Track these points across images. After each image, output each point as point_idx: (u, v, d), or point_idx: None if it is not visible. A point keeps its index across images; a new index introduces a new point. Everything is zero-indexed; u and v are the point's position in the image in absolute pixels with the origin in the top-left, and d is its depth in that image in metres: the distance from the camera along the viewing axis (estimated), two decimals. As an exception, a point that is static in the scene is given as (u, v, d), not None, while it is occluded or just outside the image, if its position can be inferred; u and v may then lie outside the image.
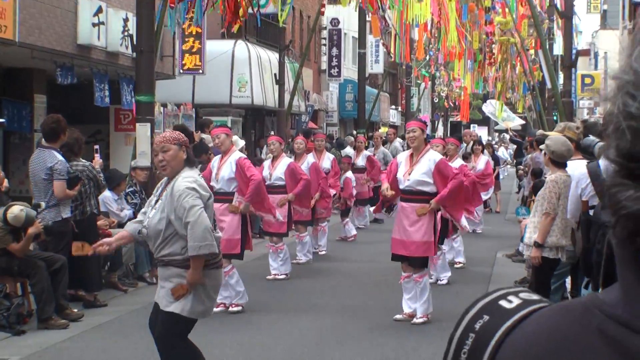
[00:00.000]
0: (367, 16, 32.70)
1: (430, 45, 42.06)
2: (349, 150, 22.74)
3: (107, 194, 13.13)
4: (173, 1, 15.80)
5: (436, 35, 35.24)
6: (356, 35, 38.21)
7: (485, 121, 75.18)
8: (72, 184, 11.04)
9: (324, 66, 40.94)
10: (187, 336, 6.99)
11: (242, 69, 28.11)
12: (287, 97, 27.60)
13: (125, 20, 18.42)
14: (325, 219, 16.93)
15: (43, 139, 11.25)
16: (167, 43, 21.02)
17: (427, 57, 45.14)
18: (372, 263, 15.17)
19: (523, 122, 46.28)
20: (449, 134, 58.57)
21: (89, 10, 17.47)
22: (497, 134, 71.35)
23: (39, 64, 17.31)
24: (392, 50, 35.71)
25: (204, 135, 17.52)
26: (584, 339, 0.97)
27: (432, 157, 10.43)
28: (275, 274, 13.75)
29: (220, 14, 19.62)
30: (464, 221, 11.41)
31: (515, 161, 31.06)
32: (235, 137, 16.74)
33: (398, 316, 10.60)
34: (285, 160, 14.25)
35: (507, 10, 28.75)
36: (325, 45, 40.79)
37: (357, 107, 36.72)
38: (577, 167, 9.16)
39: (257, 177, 11.46)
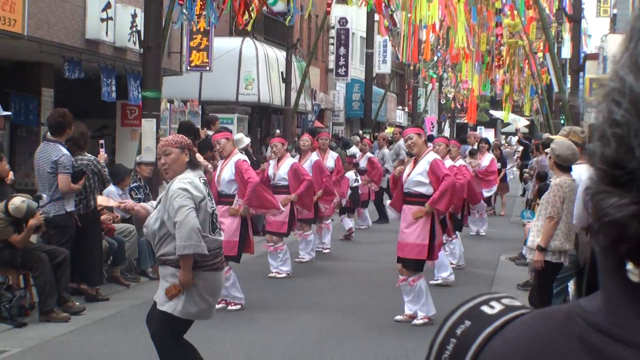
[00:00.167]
0: (374, 16, 32.70)
1: (439, 47, 42.06)
2: (354, 150, 22.75)
3: (111, 188, 13.15)
4: (182, -2, 15.82)
5: (444, 36, 35.27)
6: (364, 35, 38.19)
7: (492, 123, 75.15)
8: (77, 178, 11.06)
9: (332, 65, 40.93)
10: (181, 335, 7.00)
11: (249, 66, 28.10)
12: (293, 95, 27.60)
13: (134, 16, 18.44)
14: (329, 216, 16.97)
15: (49, 133, 11.29)
16: (174, 39, 21.04)
17: (435, 58, 45.14)
18: (373, 263, 15.18)
19: (527, 122, 46.26)
20: (455, 136, 58.54)
21: (98, 5, 17.50)
22: (503, 136, 71.27)
23: (47, 58, 17.33)
24: (400, 50, 35.72)
25: (209, 132, 17.54)
26: (565, 347, 0.96)
27: (428, 157, 10.55)
28: (276, 272, 13.76)
29: (228, 10, 19.67)
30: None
31: (521, 163, 31.00)
32: (240, 135, 16.83)
33: (399, 317, 10.61)
34: (288, 161, 14.28)
35: (515, 12, 28.71)
36: (333, 44, 40.78)
37: (363, 107, 36.72)
38: (583, 172, 9.15)
39: (254, 180, 11.47)
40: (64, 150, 10.99)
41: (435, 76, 52.41)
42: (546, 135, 17.09)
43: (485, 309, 1.06)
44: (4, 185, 11.43)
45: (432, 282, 13.11)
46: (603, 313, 0.97)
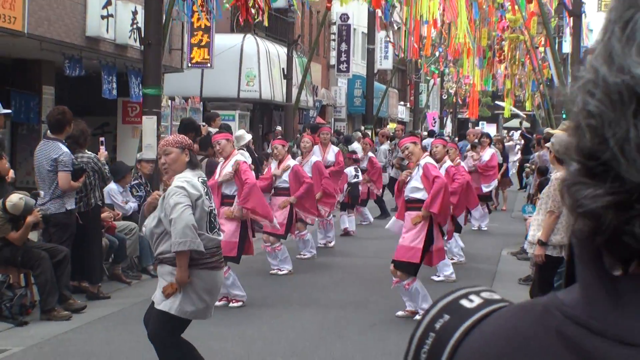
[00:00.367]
0: (376, 12, 32.67)
1: (440, 42, 42.03)
2: (356, 146, 22.76)
3: (112, 186, 13.15)
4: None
5: (446, 31, 35.26)
6: (365, 31, 38.17)
7: (494, 118, 75.12)
8: (77, 175, 11.05)
9: (333, 61, 40.92)
10: (179, 334, 7.01)
11: (250, 63, 28.09)
12: (295, 91, 27.59)
13: (134, 13, 18.43)
14: (330, 212, 16.98)
15: (49, 131, 11.28)
16: (175, 36, 21.03)
17: (437, 54, 45.12)
18: (375, 259, 15.16)
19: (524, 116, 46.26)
20: (456, 131, 58.53)
21: (98, 2, 17.50)
22: (505, 131, 71.30)
23: (47, 56, 17.33)
24: (401, 46, 35.70)
25: (210, 129, 17.54)
26: (543, 340, 0.96)
27: (421, 162, 10.67)
28: (277, 269, 13.75)
29: (229, 7, 19.65)
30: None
31: (522, 157, 31.00)
32: (241, 131, 16.83)
33: (400, 312, 10.62)
34: (290, 163, 14.24)
35: (516, 7, 28.70)
36: (334, 40, 40.77)
37: (365, 103, 36.71)
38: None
39: (251, 181, 11.46)
40: (64, 148, 10.98)
41: (436, 71, 52.38)
42: (547, 129, 17.08)
43: (464, 302, 1.05)
44: (4, 184, 11.42)
45: (433, 277, 13.12)
46: (581, 305, 0.96)
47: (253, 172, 12.24)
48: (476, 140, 22.27)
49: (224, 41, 26.24)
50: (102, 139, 12.90)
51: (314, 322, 10.39)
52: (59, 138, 11.07)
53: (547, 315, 0.97)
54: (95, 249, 11.70)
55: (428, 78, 54.96)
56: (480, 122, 69.20)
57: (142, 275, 13.29)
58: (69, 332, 9.84)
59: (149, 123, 14.84)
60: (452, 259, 14.57)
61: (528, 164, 24.92)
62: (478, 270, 14.52)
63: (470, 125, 62.29)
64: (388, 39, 36.62)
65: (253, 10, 22.54)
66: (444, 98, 62.79)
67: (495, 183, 21.48)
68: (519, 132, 37.59)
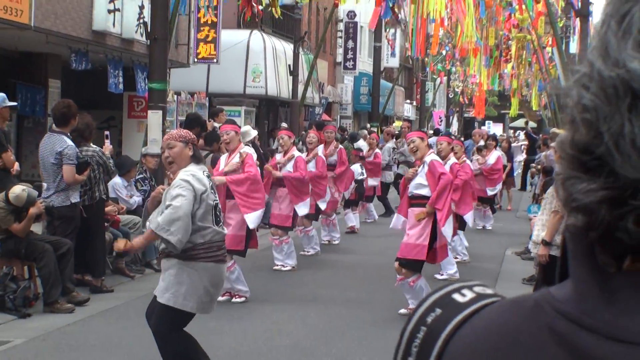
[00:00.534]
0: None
1: (447, 41, 42.00)
2: (361, 144, 22.74)
3: (117, 180, 13.16)
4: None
5: (453, 30, 35.22)
6: (372, 29, 38.12)
7: (500, 118, 75.04)
8: (81, 169, 11.06)
9: (340, 59, 40.90)
10: (181, 328, 7.01)
11: (257, 59, 28.09)
12: (301, 88, 27.57)
13: (141, 7, 18.43)
14: (332, 211, 16.98)
15: (54, 124, 11.29)
16: (182, 31, 21.03)
17: (444, 52, 45.08)
18: (379, 256, 15.15)
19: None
20: (462, 130, 58.49)
21: (105, -4, 17.51)
22: (512, 131, 71.23)
23: (54, 49, 17.34)
24: (407, 46, 35.65)
25: (215, 124, 17.54)
26: (534, 335, 0.95)
27: (426, 159, 10.65)
28: (280, 265, 13.76)
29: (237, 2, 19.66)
30: (447, 230, 11.09)
31: (527, 158, 30.96)
32: (247, 127, 16.81)
33: (403, 310, 10.60)
34: (294, 153, 14.23)
35: (524, 7, 28.66)
36: (341, 37, 40.74)
37: (371, 101, 36.68)
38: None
39: (251, 173, 11.31)
40: (69, 142, 10.99)
41: (443, 70, 52.34)
42: (553, 129, 17.05)
43: (456, 296, 1.05)
44: (9, 176, 11.44)
45: (437, 276, 13.12)
46: (572, 301, 0.96)
47: (258, 169, 12.20)
48: (482, 143, 22.24)
49: (231, 37, 26.24)
50: (107, 132, 12.89)
51: (317, 318, 10.39)
52: (64, 131, 11.08)
53: (539, 311, 0.97)
54: (98, 242, 11.71)
55: (435, 77, 54.92)
56: (487, 122, 69.16)
57: (145, 269, 13.31)
58: (72, 324, 9.85)
59: (154, 118, 14.84)
60: (456, 257, 14.57)
61: (534, 164, 24.87)
62: (482, 269, 14.51)
63: (476, 124, 62.25)
64: (387, 38, 36.50)
65: (260, 7, 22.57)
66: (451, 97, 62.74)
67: (499, 186, 21.45)
68: (524, 131, 37.50)
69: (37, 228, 11.54)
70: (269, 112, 32.39)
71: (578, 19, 22.87)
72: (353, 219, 19.26)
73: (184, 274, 6.94)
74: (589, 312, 0.93)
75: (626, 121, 0.89)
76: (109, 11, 17.56)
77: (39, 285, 10.67)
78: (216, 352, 8.24)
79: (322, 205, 15.24)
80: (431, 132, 37.96)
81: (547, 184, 12.49)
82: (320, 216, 16.37)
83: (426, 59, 44.44)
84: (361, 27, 41.11)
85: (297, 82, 27.97)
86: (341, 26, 40.76)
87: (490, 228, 20.28)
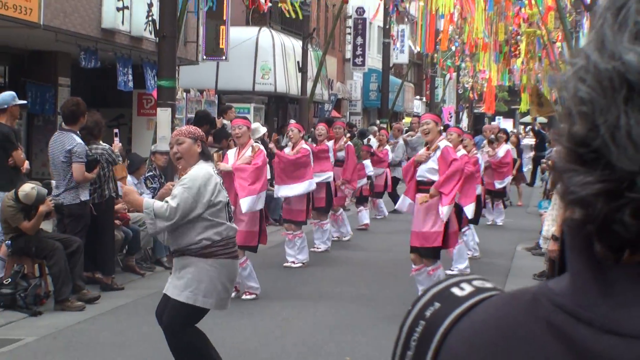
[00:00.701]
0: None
1: (457, 36, 41.92)
2: (371, 140, 22.75)
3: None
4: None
5: (462, 26, 35.14)
6: (381, 25, 38.10)
7: (510, 113, 74.85)
8: (91, 167, 11.09)
9: (349, 55, 40.87)
10: (194, 325, 7.01)
11: (265, 56, 28.10)
12: (310, 85, 27.57)
13: (149, 5, 18.45)
14: (339, 206, 16.98)
15: (63, 122, 11.32)
16: (191, 29, 21.05)
17: (453, 48, 44.99)
18: (389, 253, 15.16)
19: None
20: (472, 126, 58.36)
21: (114, -6, 17.53)
22: (522, 127, 71.05)
23: (63, 47, 17.38)
24: (417, 40, 35.61)
25: (225, 121, 17.56)
26: (531, 329, 0.95)
27: (440, 145, 10.60)
28: (292, 262, 13.77)
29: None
30: (445, 210, 10.91)
31: (535, 154, 30.89)
32: (257, 124, 16.83)
33: (413, 306, 10.58)
34: (303, 146, 14.20)
35: (533, 2, 28.58)
36: (349, 34, 40.71)
37: (380, 97, 36.64)
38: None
39: (257, 165, 11.32)
40: (78, 140, 11.01)
41: (453, 66, 52.24)
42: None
43: (455, 290, 1.05)
44: (19, 174, 11.48)
45: (448, 271, 13.10)
46: (570, 294, 0.95)
47: (267, 163, 12.18)
48: (492, 136, 22.19)
49: (239, 34, 26.25)
50: (116, 130, 12.92)
51: (326, 314, 10.40)
52: (73, 129, 11.11)
53: (536, 304, 0.97)
54: (108, 240, 11.74)
55: (444, 72, 54.83)
56: (497, 117, 68.99)
57: (155, 267, 13.33)
58: (83, 322, 9.88)
59: (163, 115, 14.85)
60: (467, 253, 14.56)
61: (544, 160, 24.81)
62: (493, 265, 14.49)
63: (486, 120, 62.12)
64: (391, 34, 36.38)
65: (270, 3, 22.58)
66: (460, 92, 62.63)
67: (509, 179, 21.37)
68: (529, 127, 37.40)
69: (48, 226, 11.58)
70: (278, 109, 32.40)
71: (587, 14, 22.80)
72: (367, 216, 19.28)
73: (202, 271, 6.93)
74: (586, 305, 0.93)
75: (622, 113, 0.89)
76: (118, 9, 17.59)
77: (49, 283, 10.70)
78: (226, 348, 8.24)
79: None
80: (441, 127, 37.90)
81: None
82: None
83: (435, 55, 44.35)
84: (370, 23, 41.08)
85: (306, 79, 27.96)
86: (350, 22, 40.73)
87: (501, 224, 20.26)
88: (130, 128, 21.49)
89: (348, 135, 17.82)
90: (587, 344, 0.91)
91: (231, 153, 11.72)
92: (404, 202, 10.95)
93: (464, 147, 13.98)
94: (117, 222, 12.34)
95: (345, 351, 8.79)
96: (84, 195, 11.14)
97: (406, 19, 42.38)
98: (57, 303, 10.36)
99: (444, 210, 10.42)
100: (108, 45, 17.74)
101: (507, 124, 59.65)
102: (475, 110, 69.87)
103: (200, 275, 6.93)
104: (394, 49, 38.18)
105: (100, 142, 11.65)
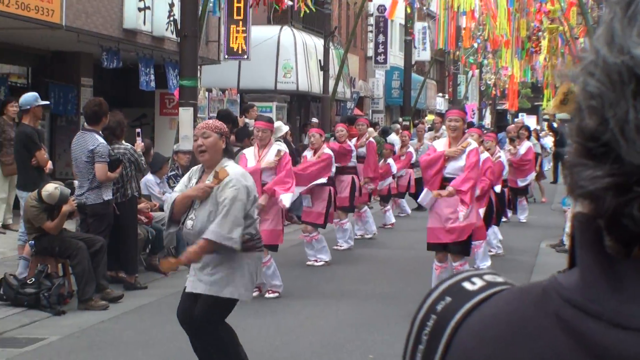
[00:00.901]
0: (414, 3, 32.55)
1: (478, 33, 41.79)
2: (393, 138, 22.70)
3: (149, 177, 13.22)
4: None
5: (484, 22, 35.04)
6: (403, 22, 38.04)
7: (534, 110, 74.58)
8: (114, 166, 11.14)
9: (370, 53, 40.83)
10: (225, 319, 7.08)
11: (287, 54, 28.11)
12: (332, 83, 27.55)
13: (171, 5, 18.49)
14: (364, 203, 16.97)
15: (85, 122, 11.37)
16: (212, 28, 21.08)
17: (475, 45, 44.88)
18: (412, 250, 15.13)
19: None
20: (495, 123, 58.21)
21: (135, -6, 17.58)
22: (545, 123, 70.77)
23: (85, 48, 17.45)
24: (440, 37, 35.53)
25: (247, 120, 17.58)
26: (541, 323, 0.96)
27: (472, 143, 10.64)
28: (314, 260, 13.77)
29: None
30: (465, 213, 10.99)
31: (555, 150, 30.73)
32: (279, 123, 16.83)
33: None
34: (325, 152, 14.12)
35: (555, -2, 28.47)
36: (371, 32, 40.66)
37: (403, 95, 36.58)
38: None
39: (288, 169, 11.57)
40: (100, 140, 11.06)
41: (475, 63, 52.10)
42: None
43: (466, 285, 1.06)
44: (43, 175, 11.55)
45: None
46: (579, 288, 0.95)
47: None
48: (515, 134, 22.08)
49: (261, 33, 26.27)
50: (138, 130, 12.96)
51: (349, 313, 10.39)
52: (96, 129, 11.16)
53: (546, 298, 0.97)
54: (131, 239, 11.78)
55: (467, 69, 54.70)
56: (520, 114, 68.75)
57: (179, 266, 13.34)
58: (106, 321, 9.92)
59: (185, 114, 14.89)
60: (490, 251, 14.54)
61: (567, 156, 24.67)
62: (517, 262, 14.45)
63: (509, 117, 61.92)
64: (410, 30, 36.25)
65: (291, 2, 22.58)
66: (483, 89, 62.46)
67: (532, 176, 21.27)
68: (547, 124, 37.15)
69: (71, 226, 11.64)
70: (301, 107, 32.41)
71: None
72: (392, 217, 19.31)
73: (244, 265, 6.97)
74: (595, 300, 0.93)
75: (631, 107, 0.89)
76: (140, 9, 17.64)
77: (73, 282, 10.75)
78: (249, 346, 8.24)
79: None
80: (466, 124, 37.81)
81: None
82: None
83: (457, 52, 44.23)
84: (391, 21, 41.02)
85: (327, 77, 27.93)
86: (371, 20, 40.69)
87: (524, 221, 20.19)
88: (153, 128, 21.56)
89: (371, 130, 17.78)
90: (596, 338, 0.91)
91: (249, 152, 11.68)
92: (427, 195, 10.84)
93: (486, 149, 13.92)
94: (142, 218, 12.40)
95: (367, 349, 8.79)
96: (107, 195, 11.19)
97: (425, 15, 42.25)
98: (80, 302, 10.41)
99: (464, 213, 10.45)
100: (130, 45, 17.80)
101: (530, 121, 59.44)
102: (498, 107, 69.65)
103: (242, 269, 6.96)
104: (414, 46, 38.10)
105: (123, 141, 11.70)
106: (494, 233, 14.97)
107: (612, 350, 0.90)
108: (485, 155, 13.20)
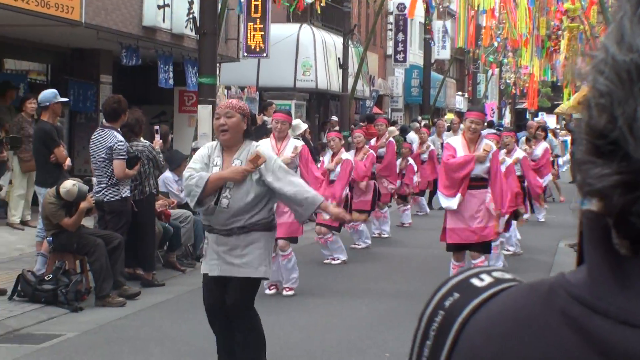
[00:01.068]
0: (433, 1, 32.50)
1: (498, 32, 41.68)
2: (412, 137, 22.68)
3: (167, 174, 13.25)
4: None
5: (504, 21, 34.95)
6: (422, 21, 37.98)
7: (553, 109, 74.28)
8: (132, 163, 11.16)
9: (390, 51, 40.78)
10: None
11: (306, 52, 28.11)
12: (351, 81, 27.54)
13: (190, 2, 18.53)
14: (385, 204, 16.96)
15: (104, 119, 11.41)
16: (232, 26, 21.11)
17: (495, 44, 44.76)
18: (429, 249, 15.10)
19: None
20: (514, 122, 58.03)
21: (155, -8, 17.62)
22: (564, 122, 70.47)
23: (104, 45, 17.51)
24: (460, 35, 35.44)
25: (265, 118, 17.59)
26: (547, 320, 0.95)
27: (490, 148, 10.70)
28: (330, 259, 13.76)
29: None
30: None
31: (572, 150, 30.59)
32: (297, 121, 16.84)
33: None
34: (343, 156, 14.08)
35: (576, -3, 28.37)
36: (391, 30, 40.61)
37: (422, 93, 36.53)
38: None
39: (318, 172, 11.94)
40: (119, 137, 11.09)
41: (495, 62, 51.97)
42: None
43: (474, 281, 1.05)
44: (61, 171, 11.59)
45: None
46: (586, 285, 0.95)
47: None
48: (532, 134, 21.96)
49: (280, 31, 26.28)
50: (156, 127, 12.99)
51: (366, 311, 10.38)
52: (114, 126, 11.19)
53: (553, 295, 0.97)
54: (149, 236, 11.81)
55: (486, 68, 54.58)
56: (540, 113, 68.55)
57: (196, 263, 13.35)
58: (123, 318, 9.94)
59: (204, 112, 14.92)
60: (508, 250, 14.49)
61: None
62: (535, 261, 14.41)
63: (529, 115, 61.72)
64: (428, 27, 36.17)
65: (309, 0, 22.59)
66: (503, 88, 62.30)
67: (549, 177, 21.14)
68: (564, 122, 37.02)
69: (89, 223, 11.68)
70: (320, 105, 32.42)
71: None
72: (409, 216, 19.30)
73: (269, 244, 7.15)
74: (602, 297, 0.93)
75: (639, 106, 0.88)
76: (159, 7, 17.68)
77: (90, 279, 10.79)
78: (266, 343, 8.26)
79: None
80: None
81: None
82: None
83: (477, 50, 44.13)
84: (411, 19, 40.95)
85: (347, 75, 27.92)
86: (391, 19, 40.64)
87: (542, 220, 20.11)
88: (172, 125, 21.60)
89: (392, 129, 17.74)
90: (603, 335, 0.91)
91: (266, 144, 11.63)
92: (455, 200, 10.83)
93: (506, 145, 13.91)
94: (161, 211, 12.47)
95: (384, 348, 8.77)
96: (125, 192, 11.22)
97: (445, 13, 42.17)
98: (98, 299, 10.44)
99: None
100: (149, 42, 17.85)
101: (550, 120, 59.22)
102: (518, 106, 69.44)
103: (269, 248, 7.12)
104: (432, 44, 38.04)
105: (141, 139, 11.72)
106: (513, 232, 14.92)
107: (618, 348, 0.90)
108: (507, 163, 13.09)
